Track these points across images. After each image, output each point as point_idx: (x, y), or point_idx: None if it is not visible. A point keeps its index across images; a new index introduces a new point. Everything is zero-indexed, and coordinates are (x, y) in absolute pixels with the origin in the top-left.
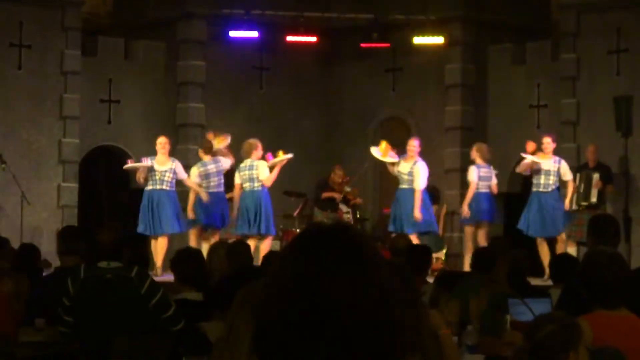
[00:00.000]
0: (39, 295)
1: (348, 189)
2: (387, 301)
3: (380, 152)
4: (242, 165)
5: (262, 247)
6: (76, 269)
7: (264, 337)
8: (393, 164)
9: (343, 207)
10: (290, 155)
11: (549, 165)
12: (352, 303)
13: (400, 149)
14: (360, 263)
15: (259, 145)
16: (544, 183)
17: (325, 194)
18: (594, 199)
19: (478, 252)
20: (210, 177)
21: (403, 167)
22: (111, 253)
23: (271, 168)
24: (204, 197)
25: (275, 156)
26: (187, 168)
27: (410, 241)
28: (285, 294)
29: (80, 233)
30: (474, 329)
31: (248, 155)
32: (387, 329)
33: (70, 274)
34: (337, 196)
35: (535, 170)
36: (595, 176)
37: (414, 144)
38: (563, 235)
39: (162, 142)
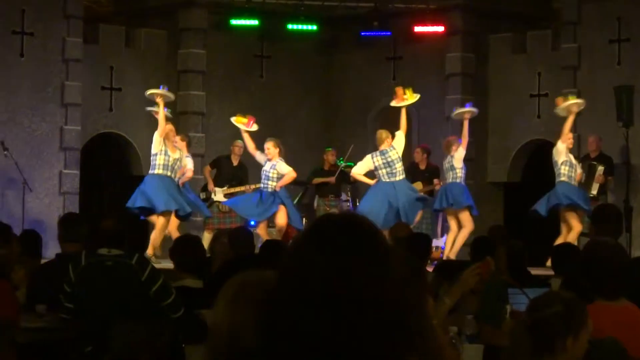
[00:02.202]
0: (40, 282)
1: (343, 163)
2: (403, 291)
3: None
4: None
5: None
6: (77, 256)
7: (275, 329)
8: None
9: (343, 195)
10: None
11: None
12: (370, 294)
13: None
14: (376, 254)
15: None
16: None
17: (317, 180)
18: (594, 192)
19: (477, 241)
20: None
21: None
22: (113, 240)
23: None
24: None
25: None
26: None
27: (411, 230)
28: (301, 288)
29: (81, 220)
30: (473, 318)
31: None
32: (403, 318)
33: (71, 261)
34: (331, 180)
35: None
36: (600, 169)
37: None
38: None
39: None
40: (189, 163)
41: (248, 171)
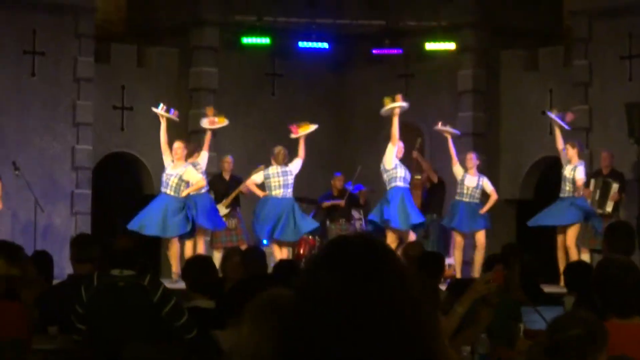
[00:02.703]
0: (52, 303)
1: (351, 187)
2: (419, 312)
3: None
4: (271, 171)
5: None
6: (89, 277)
7: (294, 351)
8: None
9: (355, 214)
10: (315, 126)
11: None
12: (386, 316)
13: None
14: (391, 276)
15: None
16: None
17: (326, 204)
18: (609, 209)
19: (490, 259)
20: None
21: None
22: (125, 261)
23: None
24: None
25: (299, 127)
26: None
27: (423, 248)
28: (317, 310)
29: (94, 241)
30: (486, 337)
31: (278, 161)
32: (419, 339)
33: (83, 282)
34: (341, 203)
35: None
36: (615, 186)
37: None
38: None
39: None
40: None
41: (242, 181)
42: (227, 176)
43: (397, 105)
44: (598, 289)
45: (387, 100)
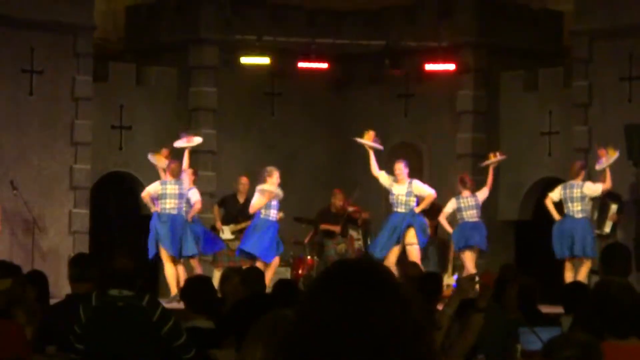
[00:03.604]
0: (50, 322)
1: (351, 209)
2: (422, 336)
3: (366, 139)
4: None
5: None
6: (88, 297)
7: None
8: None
9: (354, 233)
10: (277, 191)
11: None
12: (389, 340)
13: (411, 174)
14: (394, 300)
15: (276, 174)
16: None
17: (324, 226)
18: (607, 229)
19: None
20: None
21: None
22: (124, 281)
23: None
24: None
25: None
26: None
27: (421, 269)
28: (317, 335)
29: (92, 260)
30: (484, 357)
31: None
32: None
33: (81, 302)
34: (337, 229)
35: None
36: (613, 207)
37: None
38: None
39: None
40: (193, 196)
41: None
42: (242, 198)
43: (365, 142)
44: (596, 310)
45: (367, 134)
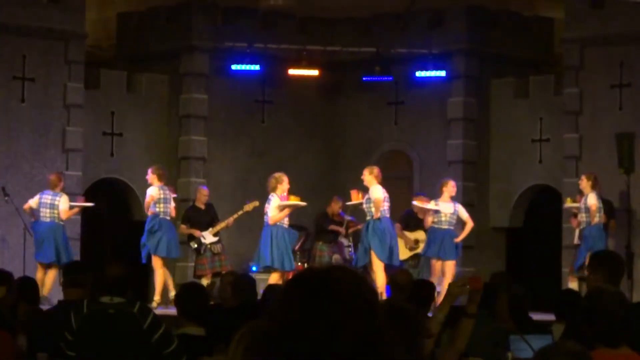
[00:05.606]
0: (41, 329)
1: (348, 218)
2: (383, 343)
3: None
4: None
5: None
6: (79, 304)
7: None
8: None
9: (344, 241)
10: (303, 204)
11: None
12: (349, 347)
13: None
14: (355, 307)
15: (285, 179)
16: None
17: (333, 227)
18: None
19: None
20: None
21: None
22: (115, 288)
23: (282, 208)
24: None
25: (289, 198)
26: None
27: (411, 276)
28: (282, 338)
29: (84, 266)
30: None
31: (274, 189)
32: None
33: (73, 309)
34: (342, 230)
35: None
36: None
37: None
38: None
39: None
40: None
41: (216, 208)
42: (202, 205)
43: (355, 203)
44: (588, 319)
45: (354, 195)
